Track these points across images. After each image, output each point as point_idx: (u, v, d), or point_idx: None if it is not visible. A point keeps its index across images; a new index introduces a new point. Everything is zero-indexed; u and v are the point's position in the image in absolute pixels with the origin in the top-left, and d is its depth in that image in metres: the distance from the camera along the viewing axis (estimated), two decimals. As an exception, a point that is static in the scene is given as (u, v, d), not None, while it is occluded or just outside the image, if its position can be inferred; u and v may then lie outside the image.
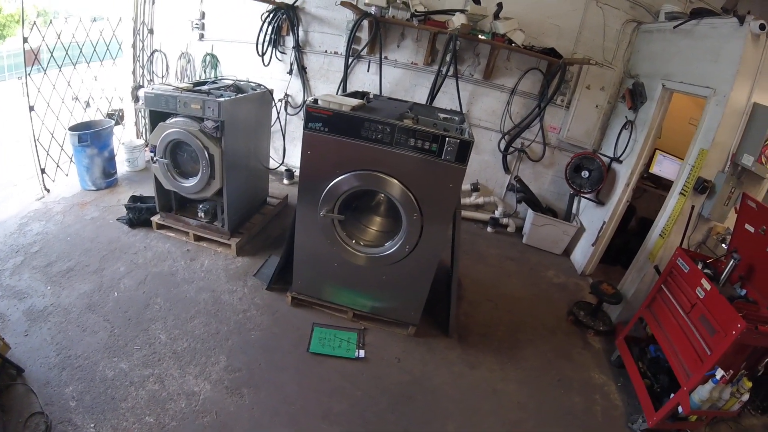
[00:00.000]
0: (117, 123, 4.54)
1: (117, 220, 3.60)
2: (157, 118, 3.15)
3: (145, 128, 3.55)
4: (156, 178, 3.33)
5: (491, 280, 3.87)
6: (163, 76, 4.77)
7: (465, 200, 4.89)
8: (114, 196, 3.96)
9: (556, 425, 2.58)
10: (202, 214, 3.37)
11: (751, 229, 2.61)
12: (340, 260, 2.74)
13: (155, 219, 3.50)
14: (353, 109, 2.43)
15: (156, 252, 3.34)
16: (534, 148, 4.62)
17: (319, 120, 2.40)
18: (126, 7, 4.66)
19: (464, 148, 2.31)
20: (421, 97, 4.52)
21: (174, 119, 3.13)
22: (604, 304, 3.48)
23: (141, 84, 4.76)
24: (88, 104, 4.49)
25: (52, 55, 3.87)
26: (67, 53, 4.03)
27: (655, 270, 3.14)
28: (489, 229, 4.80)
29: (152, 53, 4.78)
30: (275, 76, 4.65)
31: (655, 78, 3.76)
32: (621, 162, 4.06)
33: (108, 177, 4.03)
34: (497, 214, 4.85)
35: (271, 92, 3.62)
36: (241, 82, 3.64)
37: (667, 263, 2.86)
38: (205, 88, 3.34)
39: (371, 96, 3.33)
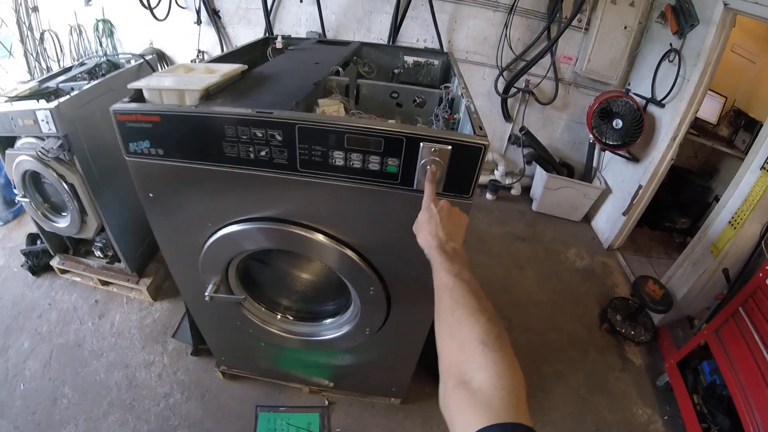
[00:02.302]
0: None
1: (21, 266, 2.32)
2: (7, 144, 1.75)
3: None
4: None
5: (500, 279, 2.53)
6: (59, 60, 3.12)
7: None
8: (22, 228, 2.62)
9: None
10: (100, 254, 2.05)
11: None
12: (266, 340, 1.44)
13: (55, 264, 2.20)
14: (207, 94, 0.96)
15: (61, 311, 2.10)
16: (543, 87, 2.94)
17: (144, 135, 0.94)
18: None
19: (468, 161, 0.88)
20: (381, 29, 2.81)
21: (21, 141, 1.72)
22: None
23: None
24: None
25: None
26: None
27: (724, 276, 1.84)
28: (489, 195, 3.29)
29: (41, 35, 3.07)
30: (182, 29, 2.94)
31: (711, -8, 2.11)
32: (663, 106, 2.46)
33: (12, 206, 2.66)
34: (497, 174, 3.31)
35: (156, 57, 2.08)
36: (120, 56, 2.08)
37: (750, 281, 1.57)
38: (53, 83, 1.84)
39: (279, 43, 1.68)
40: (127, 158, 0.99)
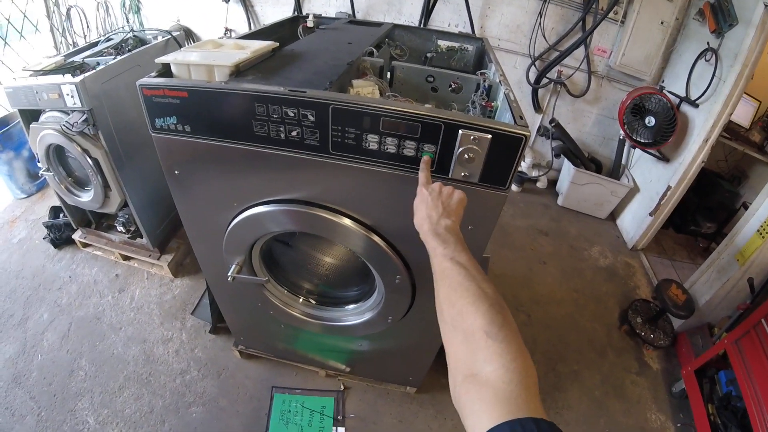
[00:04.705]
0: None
1: (43, 239, 2.36)
2: (32, 118, 1.75)
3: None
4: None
5: (522, 273, 2.47)
6: (85, 36, 3.10)
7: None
8: (45, 201, 2.66)
9: None
10: (122, 228, 2.06)
11: None
12: (286, 322, 1.42)
13: (77, 237, 2.23)
14: (236, 70, 0.92)
15: (81, 284, 2.14)
16: (575, 79, 2.82)
17: (171, 110, 0.91)
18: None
19: (507, 151, 0.82)
20: (412, 12, 2.73)
21: (45, 115, 1.71)
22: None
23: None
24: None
25: None
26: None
27: (749, 285, 1.76)
28: (514, 187, 3.21)
29: (68, 10, 3.04)
30: (210, 7, 2.88)
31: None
32: (697, 106, 2.33)
33: (35, 179, 2.70)
34: (524, 166, 3.24)
35: (183, 34, 2.04)
36: (147, 32, 2.05)
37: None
38: (78, 58, 1.82)
39: (310, 22, 1.61)
40: (152, 134, 0.96)
